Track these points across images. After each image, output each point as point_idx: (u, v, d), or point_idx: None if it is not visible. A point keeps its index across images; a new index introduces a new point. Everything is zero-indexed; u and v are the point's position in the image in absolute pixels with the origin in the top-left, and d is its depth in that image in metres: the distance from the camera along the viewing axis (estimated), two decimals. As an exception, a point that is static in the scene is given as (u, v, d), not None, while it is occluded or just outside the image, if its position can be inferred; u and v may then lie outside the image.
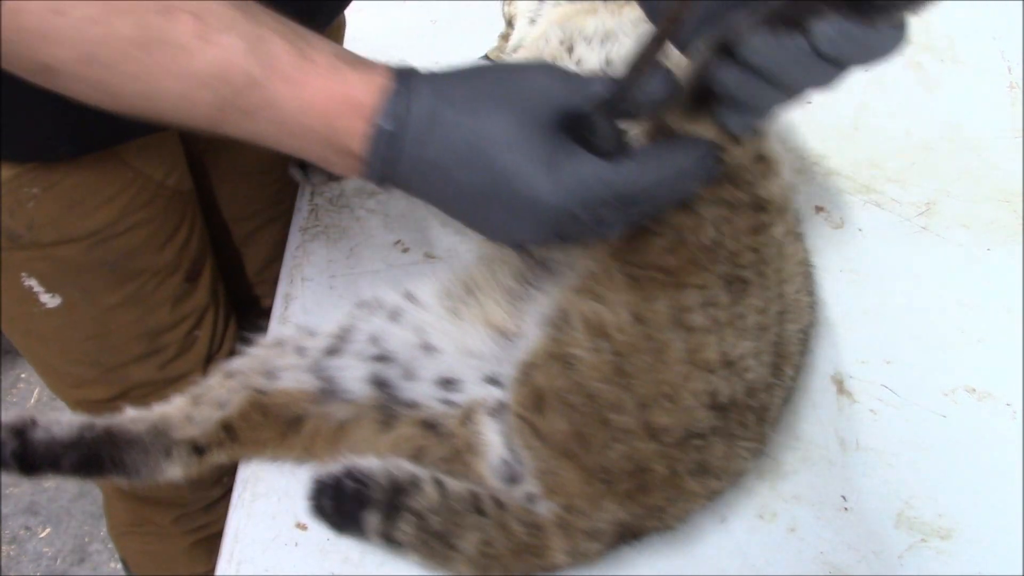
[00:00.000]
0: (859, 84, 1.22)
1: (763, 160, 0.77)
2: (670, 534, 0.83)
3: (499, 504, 0.78)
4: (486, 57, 1.21)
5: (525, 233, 0.66)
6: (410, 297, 0.90)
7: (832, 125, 1.17)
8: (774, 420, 0.84)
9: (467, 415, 0.83)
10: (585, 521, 0.77)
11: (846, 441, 0.90)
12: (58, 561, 1.86)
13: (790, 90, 0.64)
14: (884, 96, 1.21)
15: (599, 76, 0.66)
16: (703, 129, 0.70)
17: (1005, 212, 1.08)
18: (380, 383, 0.86)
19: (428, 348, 0.87)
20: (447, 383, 0.85)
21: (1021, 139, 1.16)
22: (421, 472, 0.78)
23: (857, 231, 1.06)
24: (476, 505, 0.77)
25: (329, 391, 0.86)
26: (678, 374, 0.75)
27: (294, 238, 1.06)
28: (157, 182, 0.99)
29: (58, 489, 1.94)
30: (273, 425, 0.86)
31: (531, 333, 0.82)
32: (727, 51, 0.64)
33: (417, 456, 0.82)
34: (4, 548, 1.86)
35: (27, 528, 1.90)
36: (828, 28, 0.59)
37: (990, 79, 1.23)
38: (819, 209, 1.08)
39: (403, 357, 0.87)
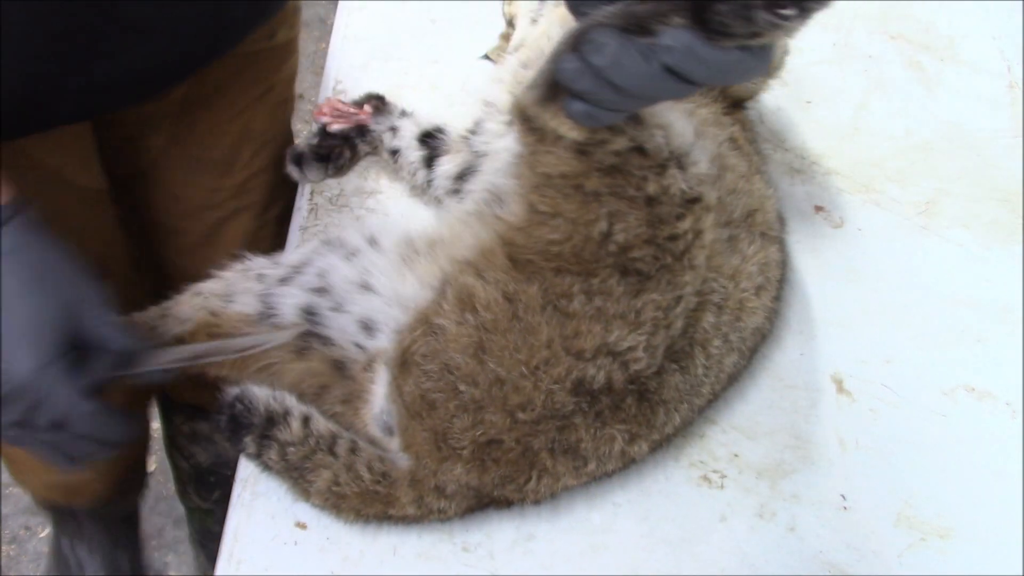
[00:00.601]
0: (859, 84, 1.22)
1: (644, 154, 0.76)
2: (669, 532, 0.84)
3: (353, 450, 0.84)
4: (487, 57, 1.21)
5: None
6: (372, 241, 0.92)
7: (832, 125, 1.17)
8: (673, 402, 0.84)
9: (370, 362, 0.87)
10: (432, 479, 0.81)
11: (846, 440, 0.90)
12: (58, 561, 1.86)
13: (630, 94, 0.64)
14: (884, 96, 1.21)
15: (119, 337, 0.77)
16: (552, 117, 0.70)
17: (1005, 212, 1.08)
18: (309, 312, 0.89)
19: (366, 287, 0.89)
20: (367, 326, 0.88)
21: (1021, 139, 1.16)
22: (295, 407, 0.86)
23: (857, 231, 1.06)
24: (331, 447, 0.84)
25: (265, 315, 0.90)
26: (541, 357, 0.77)
27: (293, 236, 1.06)
28: (65, 180, 0.99)
29: (58, 489, 1.94)
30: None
31: (428, 295, 0.85)
32: (575, 43, 0.64)
33: (320, 393, 0.87)
34: (4, 548, 1.86)
35: (27, 528, 1.89)
36: (673, 39, 0.59)
37: (990, 79, 1.23)
38: (819, 209, 1.08)
39: (339, 291, 0.90)
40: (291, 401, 0.86)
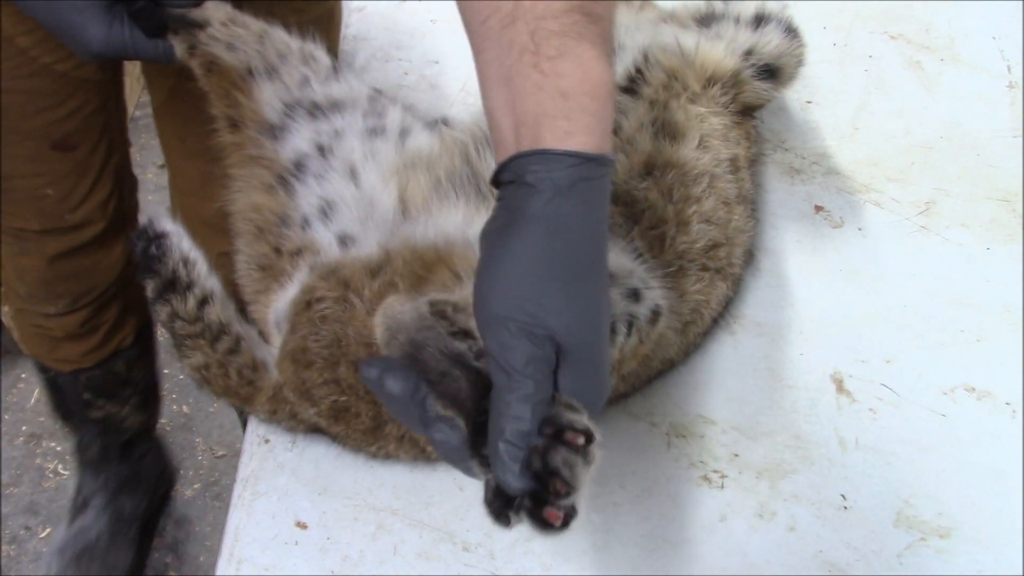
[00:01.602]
0: (859, 84, 1.22)
1: None
2: (669, 532, 0.84)
3: (232, 351, 0.90)
4: None
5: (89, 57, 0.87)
6: (404, 134, 0.95)
7: (832, 125, 1.17)
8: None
9: (298, 251, 0.90)
10: (289, 406, 0.87)
11: (845, 440, 0.90)
12: (58, 561, 1.86)
13: None
14: (884, 96, 1.21)
15: None
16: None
17: (1004, 212, 1.08)
18: (299, 163, 0.92)
19: (354, 175, 0.92)
20: (325, 210, 0.91)
21: (1021, 139, 1.16)
22: (200, 283, 0.91)
23: (857, 231, 1.06)
24: (214, 340, 0.90)
25: (275, 131, 0.93)
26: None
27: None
28: (35, 60, 1.03)
29: (58, 489, 1.94)
30: (224, 96, 0.96)
31: (385, 228, 0.89)
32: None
33: (256, 235, 0.93)
34: (4, 548, 1.86)
35: (27, 528, 1.90)
36: (444, 438, 0.62)
37: (990, 79, 1.23)
38: (819, 209, 1.08)
39: (333, 165, 0.92)
40: (200, 272, 0.91)
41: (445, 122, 1.06)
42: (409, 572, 0.82)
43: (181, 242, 0.92)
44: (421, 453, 0.86)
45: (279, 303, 0.90)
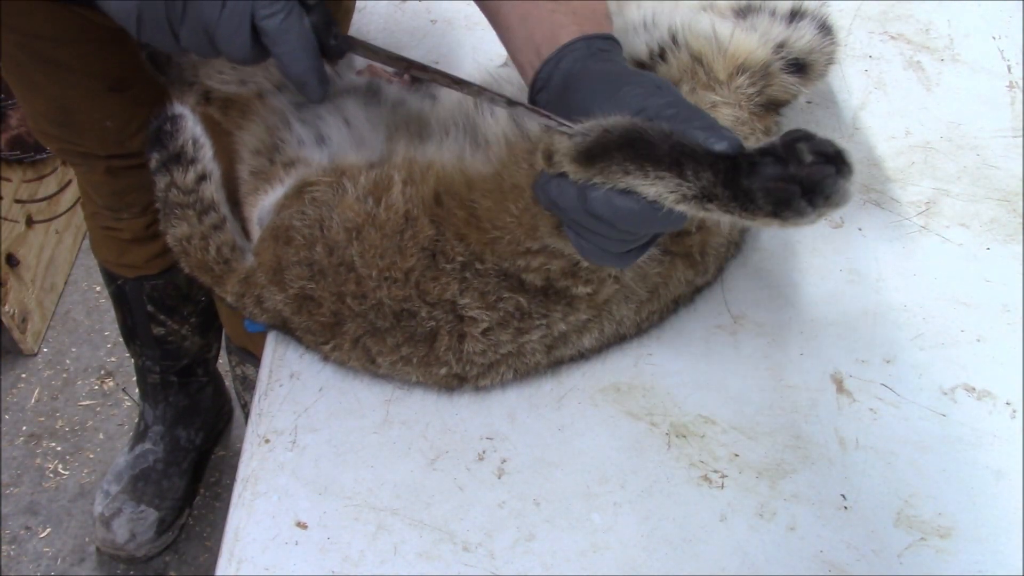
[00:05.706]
0: (859, 84, 1.22)
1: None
2: (669, 532, 0.84)
3: (216, 227, 0.94)
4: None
5: None
6: (397, 104, 1.00)
7: (832, 125, 1.17)
8: (486, 388, 0.92)
9: (291, 163, 0.94)
10: (258, 289, 0.91)
11: (845, 440, 0.90)
12: (58, 561, 1.86)
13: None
14: (884, 96, 1.21)
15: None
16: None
17: (1004, 211, 1.08)
18: (300, 118, 0.97)
19: (347, 122, 0.97)
20: (319, 140, 0.96)
21: (1021, 139, 1.16)
22: (203, 162, 0.96)
23: (857, 231, 1.06)
24: (202, 213, 0.94)
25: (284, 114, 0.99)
26: (394, 275, 0.85)
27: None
28: (95, 22, 1.09)
29: (58, 489, 1.95)
30: (240, 116, 1.02)
31: (378, 148, 0.93)
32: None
33: (250, 154, 0.99)
34: (4, 548, 1.86)
35: (27, 528, 1.90)
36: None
37: (990, 79, 1.23)
38: (819, 209, 1.08)
39: (328, 120, 0.98)
40: (205, 154, 0.96)
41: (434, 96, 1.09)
42: (409, 572, 0.82)
43: (195, 126, 0.97)
44: (371, 363, 0.89)
45: (264, 203, 0.94)
